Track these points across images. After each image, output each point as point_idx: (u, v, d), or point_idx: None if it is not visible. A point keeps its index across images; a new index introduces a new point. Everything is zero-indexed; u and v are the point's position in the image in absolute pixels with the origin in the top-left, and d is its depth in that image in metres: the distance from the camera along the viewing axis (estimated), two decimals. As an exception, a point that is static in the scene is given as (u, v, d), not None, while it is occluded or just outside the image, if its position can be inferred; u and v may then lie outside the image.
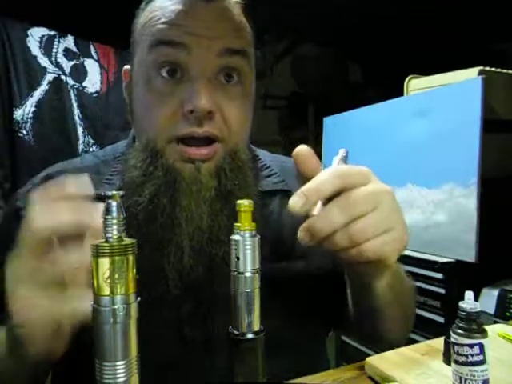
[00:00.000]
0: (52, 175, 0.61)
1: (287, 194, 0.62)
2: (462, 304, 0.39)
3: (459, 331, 0.39)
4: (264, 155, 0.69)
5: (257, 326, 0.35)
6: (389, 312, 0.54)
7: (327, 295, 0.59)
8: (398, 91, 1.63)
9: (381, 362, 0.48)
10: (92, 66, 1.90)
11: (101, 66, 1.93)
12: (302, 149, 0.43)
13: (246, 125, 0.55)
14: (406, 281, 0.60)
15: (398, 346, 0.53)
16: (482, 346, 0.38)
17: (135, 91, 0.54)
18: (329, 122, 1.97)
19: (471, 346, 0.38)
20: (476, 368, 0.38)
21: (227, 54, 0.50)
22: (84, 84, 1.87)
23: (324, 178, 0.39)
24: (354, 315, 0.59)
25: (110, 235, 0.30)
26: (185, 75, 0.50)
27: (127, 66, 0.59)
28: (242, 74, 0.52)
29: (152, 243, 0.49)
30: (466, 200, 1.25)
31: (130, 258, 0.30)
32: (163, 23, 0.50)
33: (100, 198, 0.54)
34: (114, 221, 0.30)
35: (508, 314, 1.17)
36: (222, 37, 0.50)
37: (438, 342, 0.50)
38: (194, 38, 0.49)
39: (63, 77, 1.81)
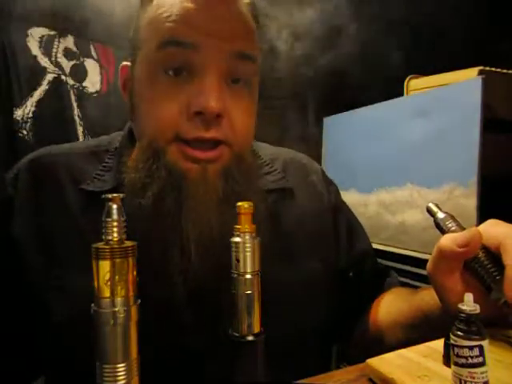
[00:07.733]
0: (37, 159, 0.59)
1: (287, 191, 0.61)
2: (461, 306, 0.39)
3: (459, 333, 0.39)
4: (265, 149, 0.66)
5: (257, 328, 0.35)
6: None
7: (330, 304, 0.58)
8: (398, 91, 1.63)
9: (381, 363, 0.48)
10: (92, 66, 1.90)
11: (101, 66, 1.92)
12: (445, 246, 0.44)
13: (251, 129, 0.53)
14: None
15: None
16: (481, 347, 0.38)
17: (137, 88, 0.52)
18: (329, 122, 1.97)
19: (471, 348, 0.38)
20: (476, 370, 0.38)
21: (238, 57, 0.48)
22: (84, 84, 1.87)
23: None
24: (377, 335, 0.59)
25: (110, 238, 0.30)
26: (192, 74, 0.47)
27: (126, 63, 0.57)
28: (249, 78, 0.51)
29: (158, 245, 0.48)
30: (466, 200, 1.25)
31: (131, 260, 0.30)
32: (172, 21, 0.47)
33: (92, 192, 0.53)
34: (115, 223, 0.30)
35: (508, 314, 1.16)
36: (234, 38, 0.48)
37: (438, 344, 0.50)
38: (204, 37, 0.46)
39: (63, 77, 1.81)
